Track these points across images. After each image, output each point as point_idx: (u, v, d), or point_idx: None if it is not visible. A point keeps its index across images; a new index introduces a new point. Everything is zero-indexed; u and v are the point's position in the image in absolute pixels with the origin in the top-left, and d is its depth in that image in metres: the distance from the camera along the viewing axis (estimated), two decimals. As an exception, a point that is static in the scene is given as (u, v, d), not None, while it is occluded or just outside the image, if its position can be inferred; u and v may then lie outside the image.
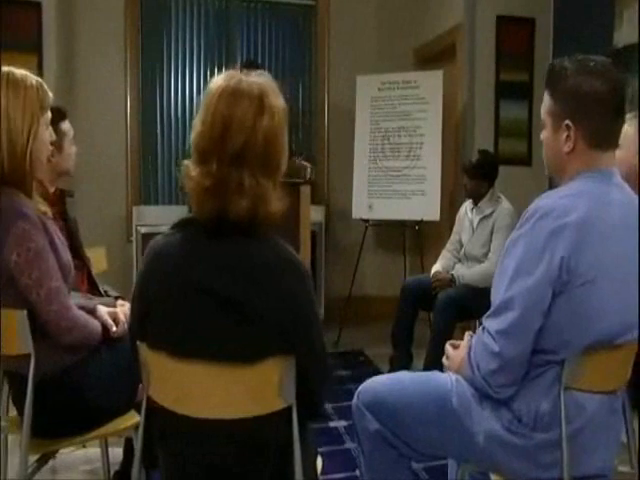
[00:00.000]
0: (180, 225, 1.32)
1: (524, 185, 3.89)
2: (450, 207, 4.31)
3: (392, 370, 3.48)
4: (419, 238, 4.37)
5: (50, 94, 1.81)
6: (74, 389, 1.77)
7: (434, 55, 4.70)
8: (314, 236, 4.62)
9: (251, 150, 1.23)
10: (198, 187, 1.24)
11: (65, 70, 4.17)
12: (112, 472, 2.24)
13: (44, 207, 1.77)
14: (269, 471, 1.31)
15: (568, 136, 1.47)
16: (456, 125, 4.40)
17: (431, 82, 4.21)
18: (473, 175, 3.40)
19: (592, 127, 1.46)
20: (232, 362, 1.23)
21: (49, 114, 1.81)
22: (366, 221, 4.38)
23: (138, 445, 1.42)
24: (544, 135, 1.56)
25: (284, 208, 1.28)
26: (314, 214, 4.71)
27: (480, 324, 1.52)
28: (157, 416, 1.35)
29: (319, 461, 1.58)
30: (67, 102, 4.23)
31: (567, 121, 1.47)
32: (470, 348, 1.51)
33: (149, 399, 1.35)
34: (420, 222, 4.24)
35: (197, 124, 1.26)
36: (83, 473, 2.53)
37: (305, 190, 3.59)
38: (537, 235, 1.41)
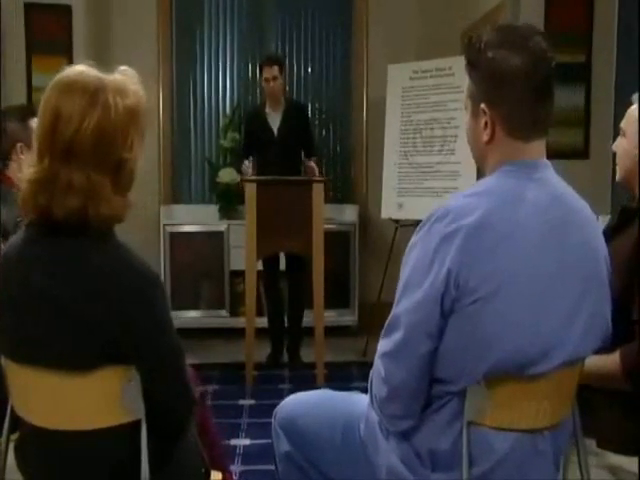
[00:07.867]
0: (27, 224, 1.29)
1: (580, 181, 3.32)
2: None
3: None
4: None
5: None
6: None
7: (478, 39, 4.30)
8: (347, 237, 4.42)
9: (79, 145, 1.18)
10: (23, 183, 1.22)
11: (96, 72, 4.24)
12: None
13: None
14: None
15: (486, 123, 1.24)
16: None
17: (467, 68, 3.84)
18: None
19: (510, 113, 1.22)
20: (65, 370, 1.19)
21: None
22: (396, 221, 4.09)
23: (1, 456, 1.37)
24: (464, 120, 1.34)
25: (125, 209, 1.24)
26: (347, 214, 4.53)
27: None
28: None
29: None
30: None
31: (482, 105, 1.24)
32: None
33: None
34: (453, 222, 3.88)
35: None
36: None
37: (318, 188, 3.46)
38: (429, 242, 1.18)
